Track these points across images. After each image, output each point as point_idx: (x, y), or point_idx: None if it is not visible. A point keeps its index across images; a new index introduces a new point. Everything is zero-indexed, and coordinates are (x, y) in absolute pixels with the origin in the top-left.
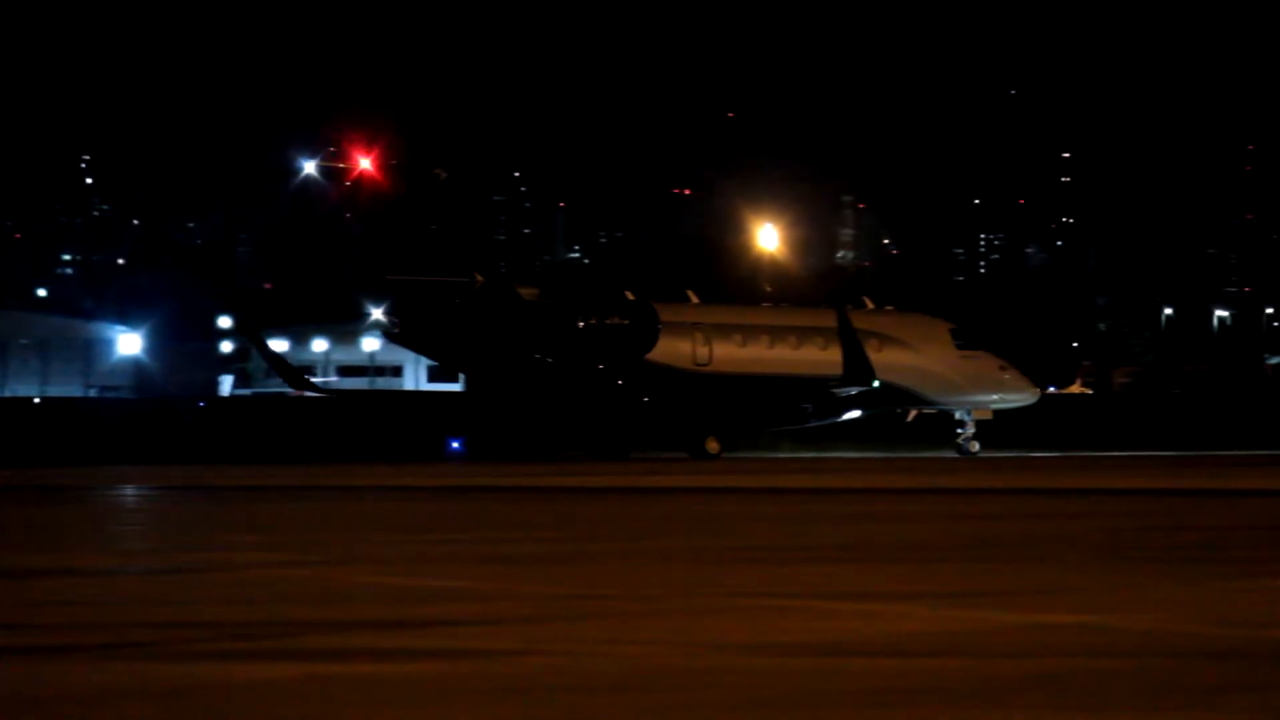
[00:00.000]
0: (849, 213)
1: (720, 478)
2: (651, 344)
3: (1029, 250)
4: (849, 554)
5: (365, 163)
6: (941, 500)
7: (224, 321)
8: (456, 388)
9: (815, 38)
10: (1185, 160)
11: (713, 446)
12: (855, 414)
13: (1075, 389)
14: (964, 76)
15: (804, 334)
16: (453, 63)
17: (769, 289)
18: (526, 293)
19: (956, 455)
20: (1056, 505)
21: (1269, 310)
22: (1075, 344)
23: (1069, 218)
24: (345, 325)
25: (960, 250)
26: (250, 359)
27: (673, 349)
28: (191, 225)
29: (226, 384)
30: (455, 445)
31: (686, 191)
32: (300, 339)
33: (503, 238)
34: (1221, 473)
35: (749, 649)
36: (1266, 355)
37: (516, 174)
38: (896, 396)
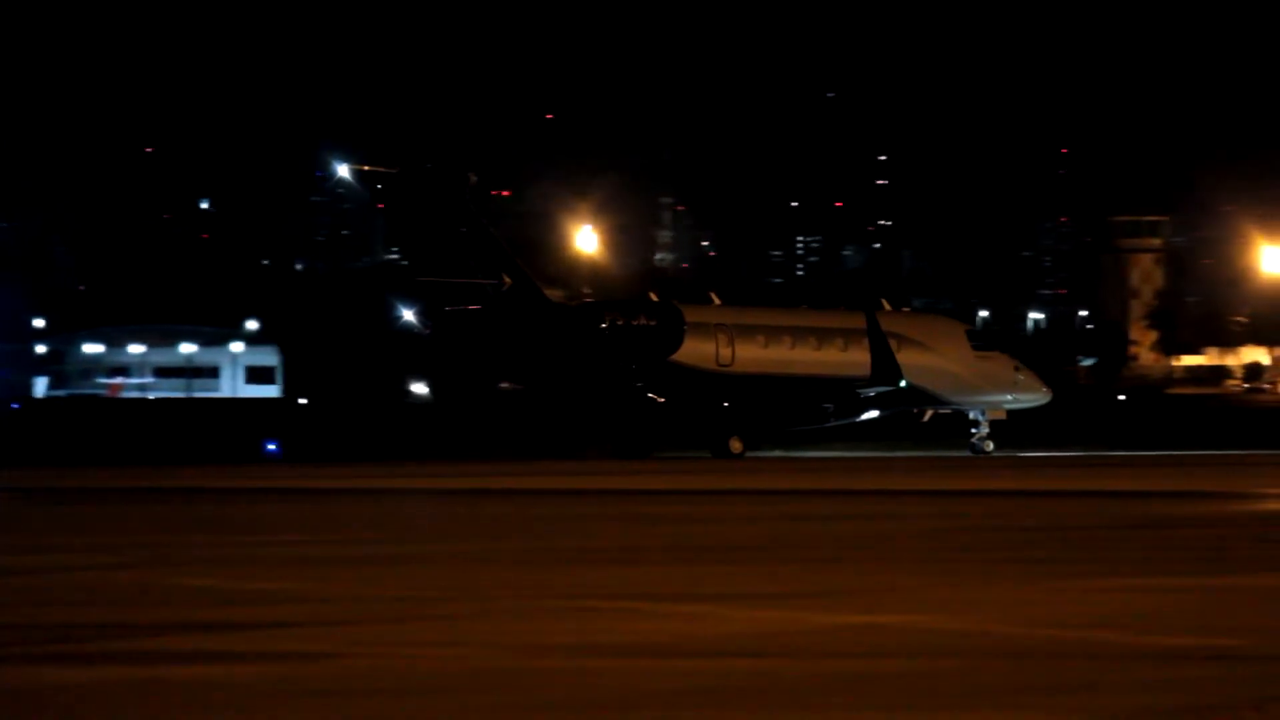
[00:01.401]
0: (667, 214)
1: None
2: (676, 345)
3: (846, 252)
4: (682, 555)
5: (397, 167)
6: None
7: (38, 322)
8: (274, 391)
9: (633, 39)
10: (1000, 163)
11: (735, 446)
12: (874, 414)
13: None
14: (782, 79)
15: (825, 335)
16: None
17: (587, 292)
18: (553, 294)
19: (971, 454)
20: (900, 506)
21: (1082, 313)
22: None
23: (886, 220)
24: (162, 328)
25: (778, 252)
26: (65, 360)
27: (696, 349)
28: (4, 225)
29: (41, 385)
30: (271, 448)
31: (505, 193)
32: (115, 341)
33: (322, 239)
34: (1041, 474)
35: (572, 650)
36: (1079, 357)
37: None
38: (913, 397)
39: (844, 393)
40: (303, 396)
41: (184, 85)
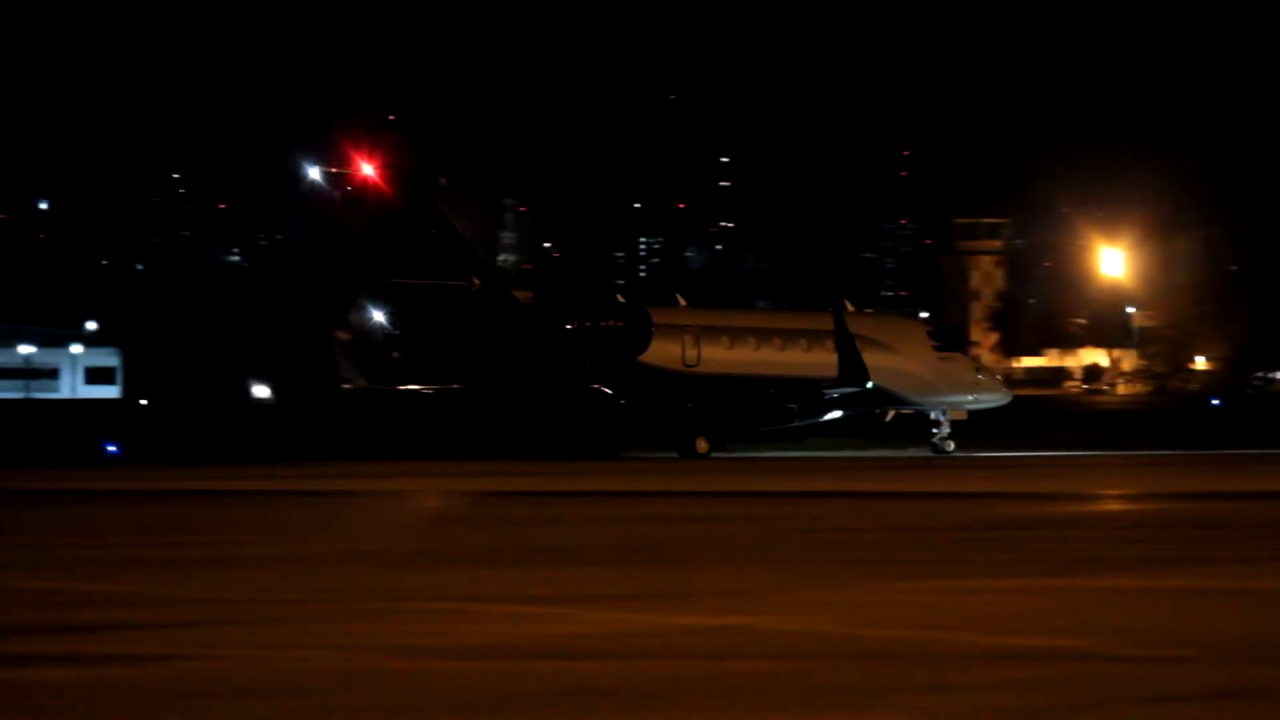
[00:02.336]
0: (509, 215)
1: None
2: (644, 346)
3: (689, 253)
4: (519, 557)
5: (368, 169)
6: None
7: None
8: (114, 392)
9: (475, 37)
10: (841, 165)
11: (702, 446)
12: (838, 414)
13: None
14: (623, 80)
15: (789, 336)
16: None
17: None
18: (522, 295)
19: (931, 454)
20: (778, 508)
21: (923, 315)
22: None
23: (728, 221)
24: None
25: (621, 253)
26: None
27: (663, 351)
28: None
29: None
30: (111, 449)
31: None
32: None
33: (160, 240)
34: (901, 476)
35: (417, 653)
36: None
37: (175, 175)
38: (877, 397)
39: (809, 393)
40: (144, 398)
41: (25, 84)
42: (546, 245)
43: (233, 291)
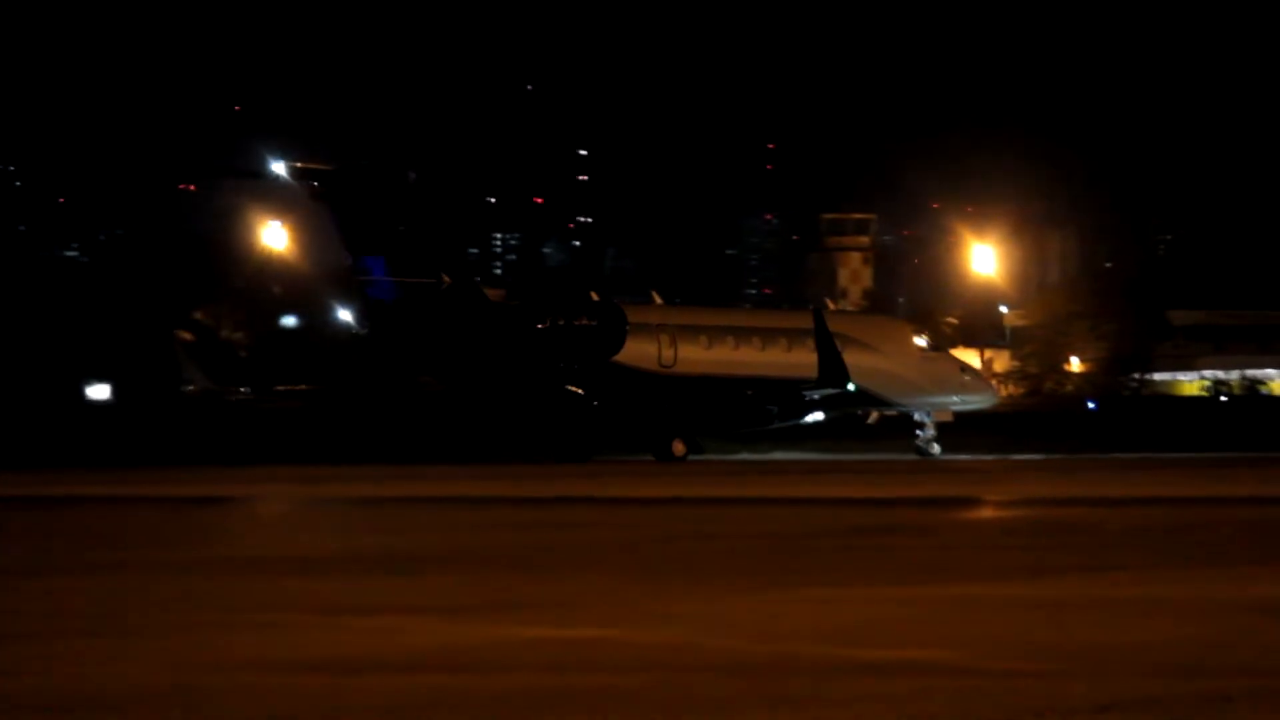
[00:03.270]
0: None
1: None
2: (618, 345)
3: (546, 250)
4: (369, 565)
5: (330, 165)
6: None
7: None
8: None
9: (311, 27)
10: (705, 158)
11: (678, 449)
12: (819, 416)
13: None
14: (479, 71)
15: (769, 335)
16: None
17: (278, 290)
18: (494, 294)
19: (917, 457)
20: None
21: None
22: None
23: (587, 216)
24: None
25: (475, 249)
26: None
27: (638, 350)
28: None
29: None
30: None
31: (191, 188)
32: None
33: None
34: (797, 481)
35: (244, 666)
36: None
37: (12, 167)
38: (859, 398)
39: (789, 394)
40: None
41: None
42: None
43: (70, 288)
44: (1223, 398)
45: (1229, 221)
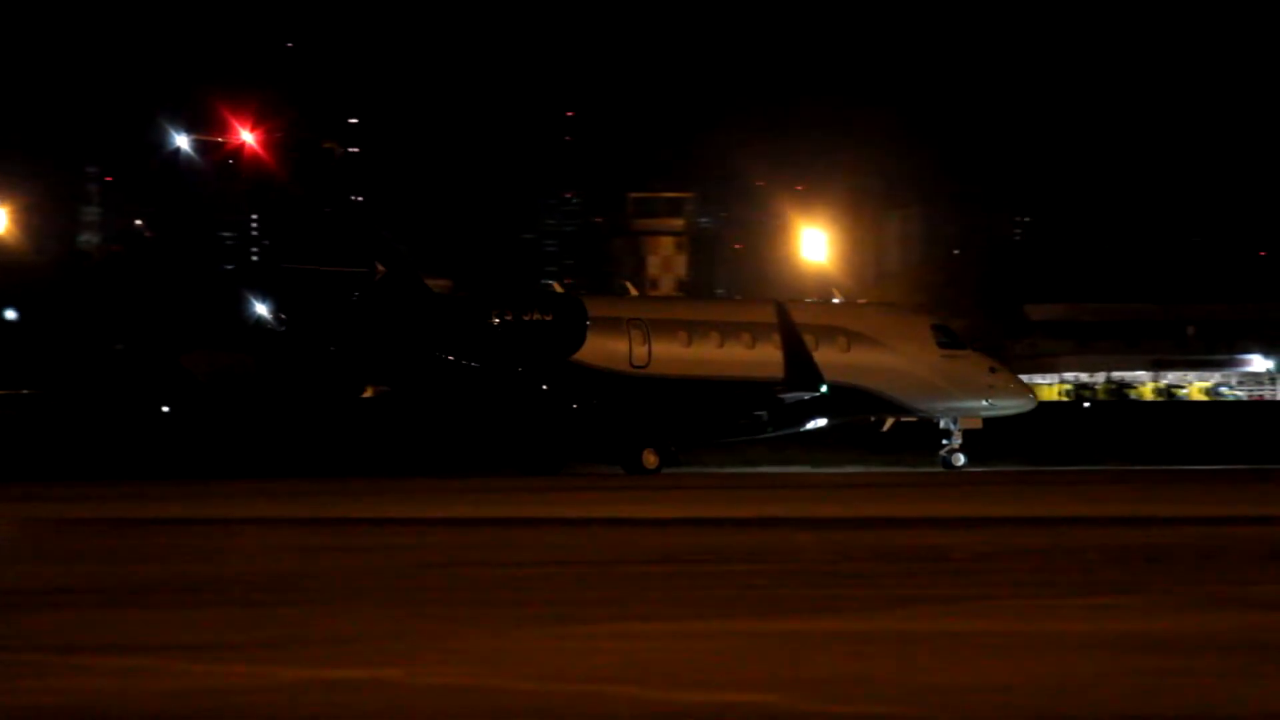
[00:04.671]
0: (94, 188)
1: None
2: (577, 343)
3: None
4: (115, 597)
5: (247, 136)
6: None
7: None
8: None
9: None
10: (492, 129)
11: (650, 460)
12: (821, 422)
13: (369, 393)
14: (232, 28)
15: (761, 331)
16: None
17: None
18: (438, 285)
19: (943, 469)
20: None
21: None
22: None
23: (358, 195)
24: None
25: (230, 233)
26: None
27: (603, 348)
28: None
29: None
30: None
31: None
32: None
33: None
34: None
35: None
36: None
37: None
38: (867, 402)
39: (779, 399)
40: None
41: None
42: (139, 223)
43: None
44: (1086, 404)
45: (1094, 204)
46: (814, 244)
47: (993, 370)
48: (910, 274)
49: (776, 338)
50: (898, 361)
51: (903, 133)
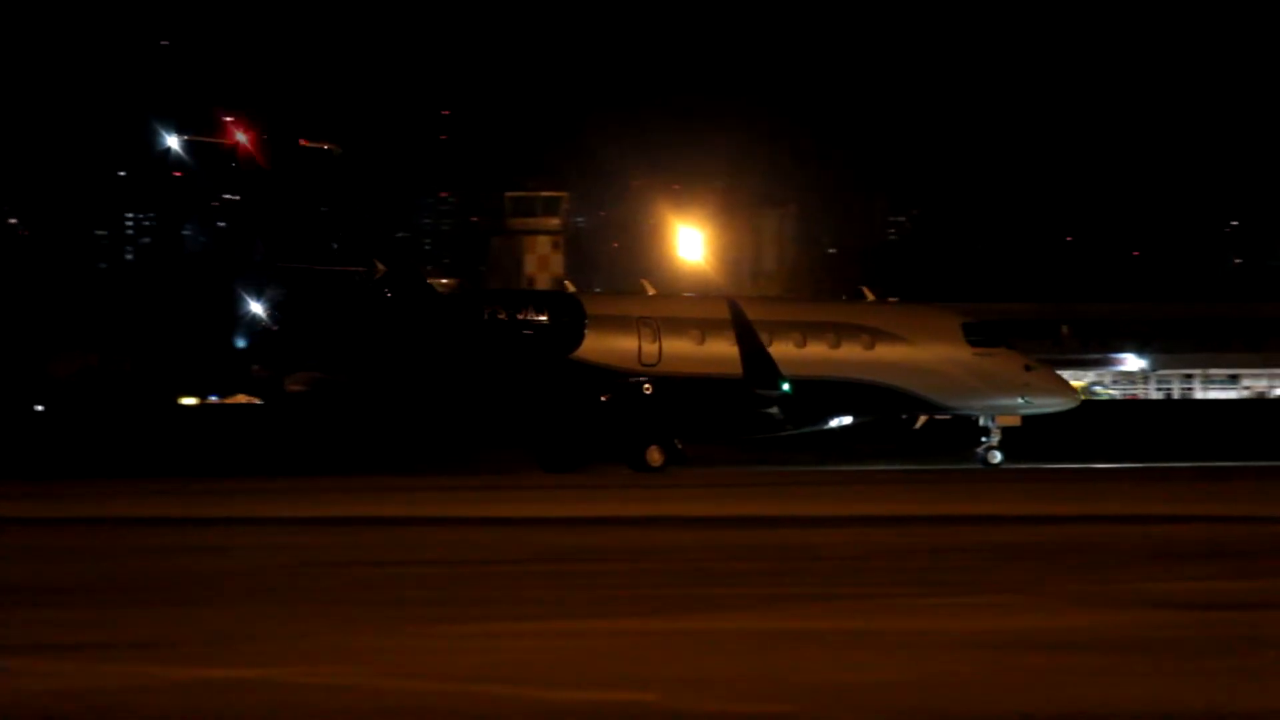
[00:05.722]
0: None
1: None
2: (576, 341)
3: (186, 232)
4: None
5: (242, 137)
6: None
7: None
8: None
9: None
10: (364, 127)
11: (654, 458)
12: (845, 420)
13: (241, 398)
14: (105, 22)
15: (779, 329)
16: None
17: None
18: (443, 285)
19: (981, 466)
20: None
21: None
22: (243, 344)
23: (234, 195)
24: None
25: (104, 231)
26: None
27: (606, 346)
28: None
29: None
30: None
31: None
32: None
33: None
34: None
35: None
36: None
37: None
38: (893, 400)
39: (801, 397)
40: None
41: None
42: (13, 222)
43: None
44: None
45: (971, 203)
46: (691, 242)
47: (1028, 368)
48: (787, 272)
49: (797, 335)
50: (924, 359)
51: (780, 132)
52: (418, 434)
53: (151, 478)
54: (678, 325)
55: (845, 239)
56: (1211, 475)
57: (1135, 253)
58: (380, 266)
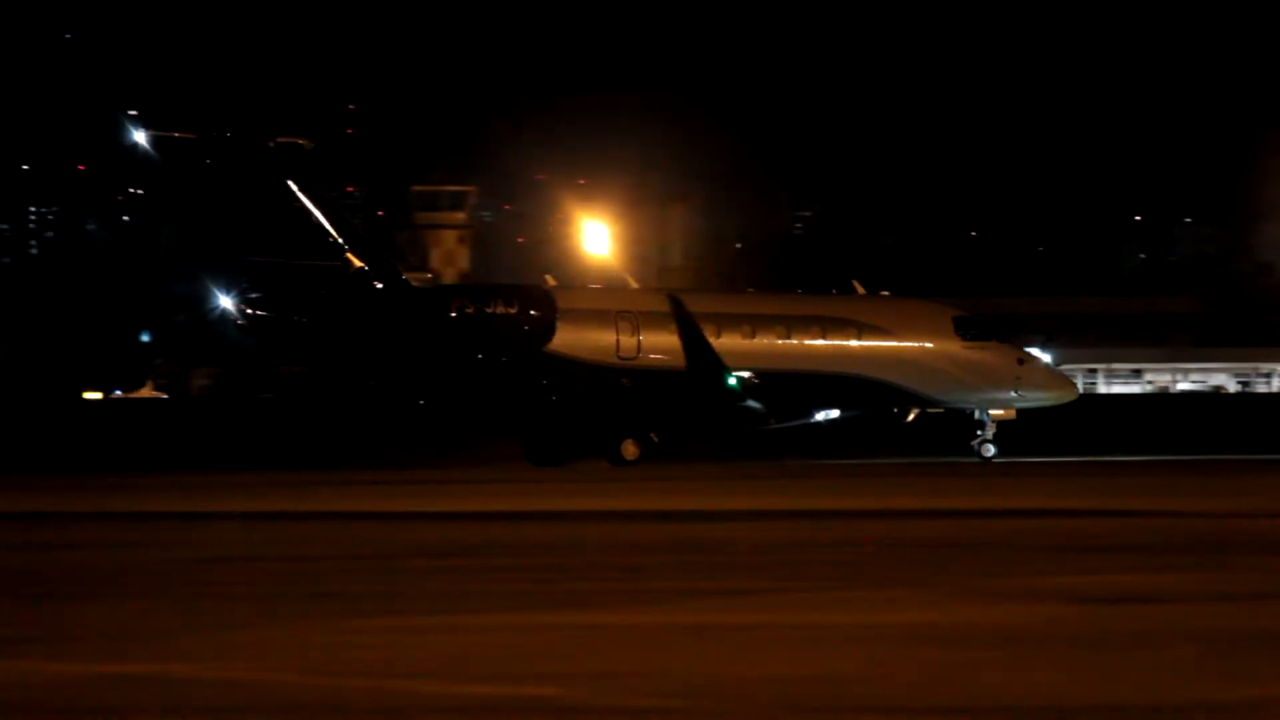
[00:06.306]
0: None
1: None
2: (547, 334)
3: (90, 226)
4: None
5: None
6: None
7: None
8: None
9: None
10: (275, 121)
11: (629, 451)
12: (833, 414)
13: (146, 392)
14: (8, 14)
15: (763, 322)
16: None
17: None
18: (418, 278)
19: (978, 460)
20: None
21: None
22: (147, 339)
23: (138, 189)
24: None
25: (5, 226)
26: None
27: (579, 340)
28: None
29: None
30: None
31: None
32: None
33: None
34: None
35: None
36: None
37: None
38: (880, 394)
39: (785, 390)
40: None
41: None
42: None
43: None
44: None
45: (876, 198)
46: (596, 236)
47: (1021, 362)
48: (692, 267)
49: (780, 328)
50: (911, 352)
51: (686, 127)
52: (392, 427)
53: (50, 473)
54: (658, 319)
55: (751, 233)
56: (1117, 470)
57: (1039, 248)
58: (354, 261)
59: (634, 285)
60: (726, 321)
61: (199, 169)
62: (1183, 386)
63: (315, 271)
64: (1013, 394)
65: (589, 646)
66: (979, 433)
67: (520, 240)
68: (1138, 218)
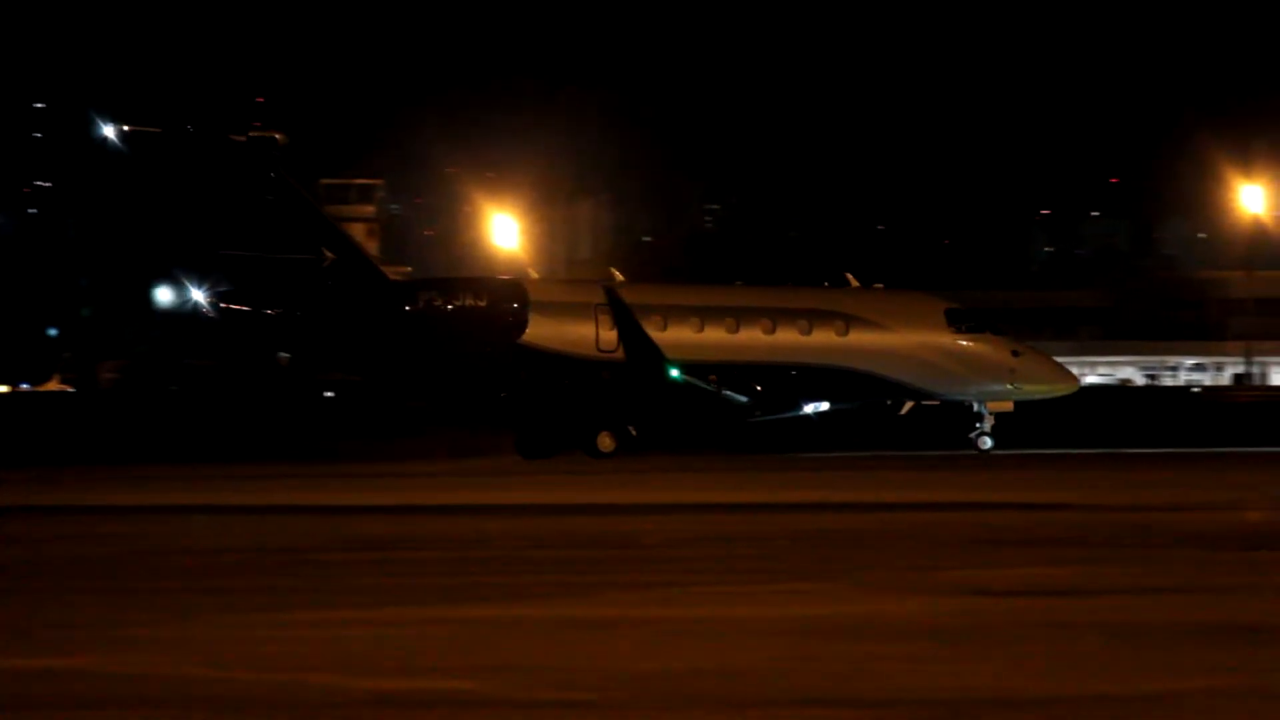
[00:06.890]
0: None
1: None
2: (518, 327)
3: None
4: None
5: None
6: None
7: None
8: None
9: None
10: (184, 114)
11: (605, 443)
12: (822, 407)
13: (54, 385)
14: None
15: (747, 315)
16: None
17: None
18: (395, 272)
19: (976, 452)
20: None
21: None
22: (53, 332)
23: (44, 181)
24: None
25: None
26: None
27: (553, 332)
28: None
29: None
30: None
31: None
32: None
33: None
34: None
35: None
36: None
37: None
38: (870, 386)
39: (770, 383)
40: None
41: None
42: None
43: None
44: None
45: (785, 192)
46: (505, 230)
47: (1016, 354)
48: (603, 260)
49: (766, 321)
50: (902, 344)
51: (596, 120)
52: (370, 417)
53: None
54: (640, 312)
55: (661, 227)
56: (1027, 463)
57: (946, 241)
58: (329, 254)
59: (619, 278)
60: (710, 315)
61: (160, 163)
62: (1090, 380)
63: (290, 265)
64: (1007, 386)
65: (501, 640)
66: (977, 425)
67: (428, 233)
68: (1045, 211)
